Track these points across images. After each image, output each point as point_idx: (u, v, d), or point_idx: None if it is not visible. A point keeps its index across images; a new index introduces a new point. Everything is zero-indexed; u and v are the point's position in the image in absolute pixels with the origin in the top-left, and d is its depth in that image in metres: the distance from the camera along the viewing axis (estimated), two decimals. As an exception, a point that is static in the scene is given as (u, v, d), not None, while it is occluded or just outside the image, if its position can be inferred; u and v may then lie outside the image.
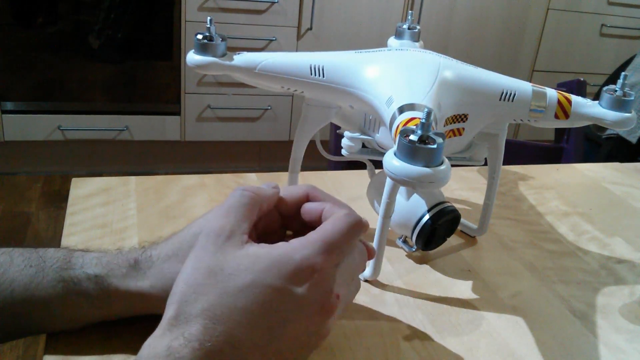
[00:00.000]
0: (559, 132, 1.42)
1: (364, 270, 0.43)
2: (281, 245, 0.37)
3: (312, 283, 0.36)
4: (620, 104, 0.54)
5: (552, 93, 0.55)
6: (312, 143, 0.60)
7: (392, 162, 0.40)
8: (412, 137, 0.39)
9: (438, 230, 0.56)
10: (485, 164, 0.61)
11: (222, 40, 0.53)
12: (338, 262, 0.38)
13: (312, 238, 0.37)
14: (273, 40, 2.33)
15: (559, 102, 0.54)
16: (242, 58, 0.53)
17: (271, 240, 0.39)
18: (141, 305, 0.42)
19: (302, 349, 0.37)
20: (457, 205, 0.59)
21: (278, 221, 0.45)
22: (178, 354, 0.32)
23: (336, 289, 0.37)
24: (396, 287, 0.55)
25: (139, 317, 0.44)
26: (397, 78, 0.52)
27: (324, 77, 0.53)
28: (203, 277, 0.35)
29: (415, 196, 0.56)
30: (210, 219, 0.38)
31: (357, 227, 0.39)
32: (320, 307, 0.36)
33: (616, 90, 0.54)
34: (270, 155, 2.55)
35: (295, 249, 0.36)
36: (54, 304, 0.41)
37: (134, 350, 0.42)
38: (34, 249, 0.43)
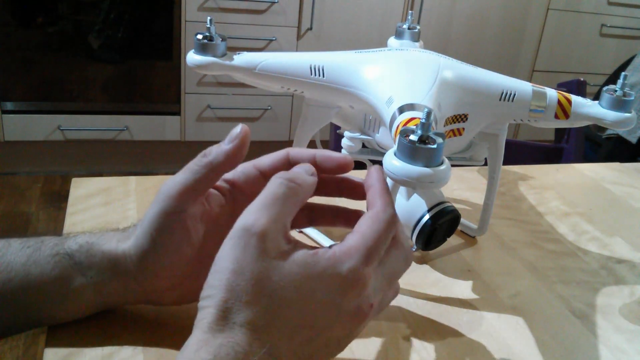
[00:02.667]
0: (559, 132, 1.42)
1: (402, 273, 0.41)
2: (325, 255, 0.35)
3: (354, 292, 0.35)
4: (620, 104, 0.54)
5: (552, 93, 0.55)
6: (312, 143, 0.60)
7: (392, 162, 0.40)
8: (412, 137, 0.39)
9: (438, 230, 0.56)
10: (485, 164, 0.61)
11: (222, 40, 0.53)
12: (375, 267, 0.37)
13: (355, 245, 0.35)
14: (273, 40, 2.33)
15: (559, 102, 0.54)
16: (242, 58, 0.53)
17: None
18: (123, 270, 0.41)
19: (330, 352, 0.37)
20: (457, 205, 0.59)
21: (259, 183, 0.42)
22: None
23: (372, 296, 0.36)
24: (396, 287, 0.55)
25: (140, 310, 0.44)
26: (397, 78, 0.52)
27: (324, 77, 0.53)
28: (248, 284, 0.33)
29: (415, 196, 0.56)
30: (250, 210, 0.35)
31: (393, 226, 0.37)
32: (355, 314, 0.36)
33: (616, 90, 0.54)
34: (270, 155, 2.54)
35: (341, 260, 0.35)
36: (49, 281, 0.41)
37: (135, 343, 0.43)
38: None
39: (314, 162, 0.41)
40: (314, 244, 0.58)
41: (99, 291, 0.42)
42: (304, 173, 0.38)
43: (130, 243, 0.41)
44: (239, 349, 0.32)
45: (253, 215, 0.34)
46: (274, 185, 0.36)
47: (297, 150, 0.42)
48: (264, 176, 0.43)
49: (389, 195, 0.39)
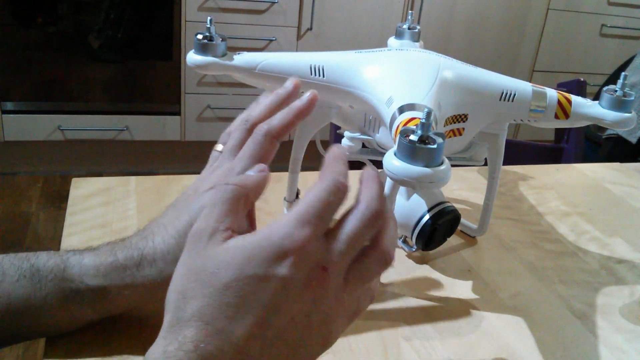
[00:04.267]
0: (559, 132, 1.42)
1: (366, 232, 0.37)
2: (261, 231, 0.35)
3: (294, 261, 0.34)
4: (620, 104, 0.54)
5: (552, 93, 0.55)
6: (312, 143, 0.60)
7: (392, 162, 0.40)
8: (412, 137, 0.39)
9: (438, 230, 0.56)
10: (485, 164, 0.61)
11: (222, 40, 0.53)
12: (320, 232, 0.35)
13: (289, 215, 0.35)
14: (273, 40, 2.33)
15: (559, 102, 0.54)
16: (242, 58, 0.53)
17: None
18: (148, 295, 0.42)
19: (306, 331, 0.35)
20: (457, 205, 0.59)
21: None
22: (174, 357, 0.32)
23: (325, 259, 0.35)
24: (396, 287, 0.55)
25: (138, 317, 0.44)
26: (397, 78, 0.52)
27: (324, 77, 0.53)
28: (189, 281, 0.34)
29: (415, 196, 0.56)
30: (199, 219, 0.37)
31: (337, 191, 0.36)
32: (306, 283, 0.34)
33: (616, 91, 0.54)
34: (270, 155, 2.54)
35: (273, 231, 0.34)
36: (54, 313, 0.42)
37: (133, 350, 0.43)
38: (24, 255, 0.43)
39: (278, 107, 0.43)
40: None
41: (107, 314, 0.43)
42: (252, 172, 0.40)
43: (157, 272, 0.42)
44: (186, 340, 0.32)
45: (199, 222, 0.36)
46: (214, 192, 0.38)
47: (274, 125, 0.44)
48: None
49: (338, 164, 0.38)
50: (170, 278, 0.37)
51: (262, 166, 0.40)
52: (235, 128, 0.47)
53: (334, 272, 0.35)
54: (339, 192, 0.36)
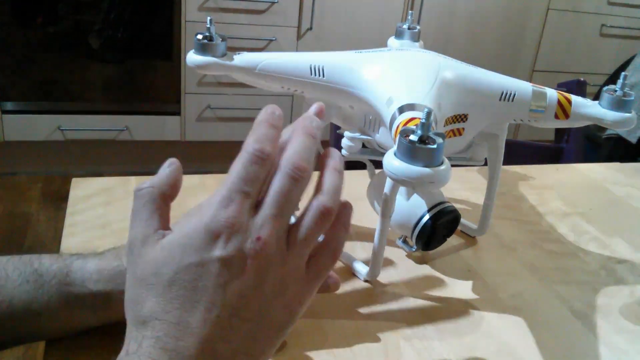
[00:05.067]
0: (559, 132, 1.42)
1: (296, 194, 0.36)
2: (188, 221, 0.35)
3: (225, 238, 0.33)
4: (620, 104, 0.54)
5: (552, 93, 0.55)
6: (312, 143, 0.60)
7: (392, 162, 0.40)
8: (412, 137, 0.39)
9: (438, 230, 0.56)
10: (485, 164, 0.61)
11: (222, 40, 0.53)
12: (246, 205, 0.35)
13: (212, 197, 0.34)
14: (273, 40, 2.33)
15: (559, 102, 0.54)
16: (242, 58, 0.53)
17: None
18: None
19: (262, 303, 0.35)
20: (457, 205, 0.59)
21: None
22: (135, 354, 0.32)
23: (256, 231, 0.34)
24: (396, 287, 0.55)
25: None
26: (397, 78, 0.52)
27: (324, 77, 0.53)
28: (136, 289, 0.34)
29: (415, 196, 0.56)
30: (129, 231, 0.37)
31: (256, 159, 0.35)
32: (243, 257, 0.34)
33: (616, 90, 0.54)
34: (270, 155, 2.54)
35: (201, 218, 0.34)
36: (57, 317, 0.42)
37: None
38: (28, 258, 0.43)
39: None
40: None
41: (108, 319, 0.43)
42: (161, 170, 0.39)
43: None
44: (144, 339, 0.32)
45: (128, 234, 0.36)
46: (134, 199, 0.37)
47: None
48: None
49: (260, 130, 0.37)
50: None
51: (173, 160, 0.39)
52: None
53: (270, 237, 0.34)
54: (258, 159, 0.35)
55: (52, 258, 0.43)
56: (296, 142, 0.36)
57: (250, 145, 0.35)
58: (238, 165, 0.35)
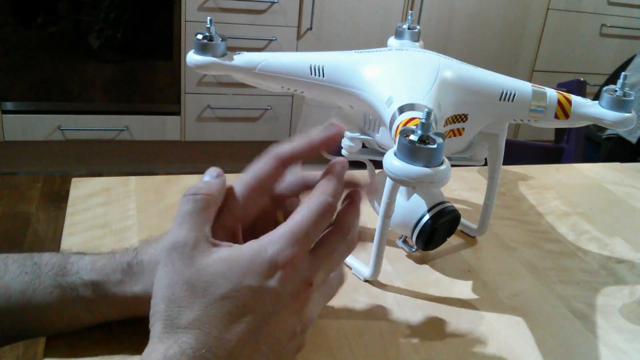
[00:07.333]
0: (559, 132, 1.42)
1: (344, 255, 0.43)
2: (251, 244, 0.37)
3: (284, 274, 0.36)
4: (620, 104, 0.54)
5: (552, 93, 0.55)
6: (312, 143, 0.60)
7: (392, 162, 0.40)
8: (412, 137, 0.39)
9: (438, 230, 0.56)
10: (485, 164, 0.61)
11: (222, 40, 0.53)
12: (307, 249, 0.38)
13: (281, 231, 0.37)
14: (273, 40, 2.33)
15: (559, 102, 0.54)
16: (242, 58, 0.53)
17: (267, 228, 0.39)
18: (136, 309, 0.42)
19: (289, 338, 0.38)
20: (457, 205, 0.59)
21: (269, 205, 0.44)
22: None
23: (310, 276, 0.38)
24: (396, 287, 0.55)
25: (140, 319, 0.44)
26: (397, 78, 0.52)
27: (324, 77, 0.53)
28: (182, 291, 0.35)
29: (415, 196, 0.56)
30: (170, 232, 0.38)
31: (326, 212, 0.39)
32: (294, 296, 0.37)
33: (616, 90, 0.54)
34: (270, 155, 2.54)
35: (266, 246, 0.36)
36: (51, 309, 0.42)
37: (134, 350, 0.43)
38: (29, 254, 0.44)
39: (303, 151, 0.44)
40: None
41: (103, 317, 0.43)
42: (206, 181, 0.41)
43: (143, 287, 0.42)
44: (186, 346, 0.34)
45: (172, 234, 0.37)
46: (182, 204, 0.39)
47: (284, 150, 0.44)
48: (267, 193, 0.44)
49: (331, 184, 0.40)
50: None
51: (217, 170, 0.42)
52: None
53: (317, 285, 0.39)
54: (327, 213, 0.39)
55: (52, 254, 0.44)
56: (356, 212, 0.43)
57: (325, 197, 0.39)
58: (312, 212, 0.38)
